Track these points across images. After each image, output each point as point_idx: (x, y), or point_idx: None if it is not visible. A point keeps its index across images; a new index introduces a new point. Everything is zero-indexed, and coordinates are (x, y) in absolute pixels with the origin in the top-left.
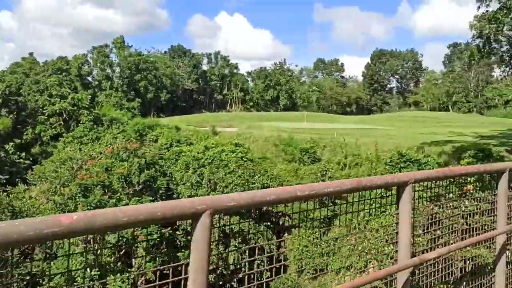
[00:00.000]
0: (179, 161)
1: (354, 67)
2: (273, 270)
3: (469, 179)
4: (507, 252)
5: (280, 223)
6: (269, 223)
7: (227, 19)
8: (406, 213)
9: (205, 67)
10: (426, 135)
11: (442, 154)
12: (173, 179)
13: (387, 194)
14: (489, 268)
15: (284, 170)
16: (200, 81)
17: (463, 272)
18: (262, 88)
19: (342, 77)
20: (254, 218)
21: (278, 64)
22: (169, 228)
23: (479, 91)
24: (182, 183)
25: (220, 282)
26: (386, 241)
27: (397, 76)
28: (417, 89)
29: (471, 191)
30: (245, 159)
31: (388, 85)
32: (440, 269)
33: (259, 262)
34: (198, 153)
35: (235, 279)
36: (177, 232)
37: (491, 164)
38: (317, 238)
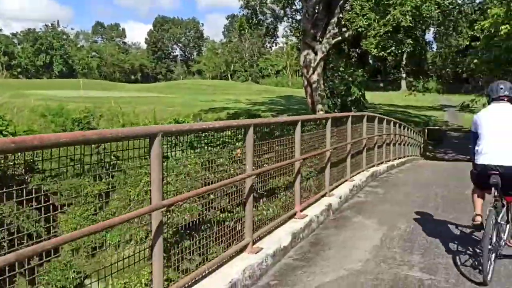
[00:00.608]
0: None
1: (139, 34)
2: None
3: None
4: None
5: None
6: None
7: None
8: (156, 160)
9: None
10: (206, 102)
11: (218, 121)
12: None
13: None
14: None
15: None
16: None
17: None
18: (32, 53)
19: (124, 43)
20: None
21: (51, 26)
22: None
23: (253, 61)
24: None
25: None
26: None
27: (180, 44)
28: (199, 58)
29: (239, 155)
30: (6, 133)
31: (172, 53)
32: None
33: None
34: None
35: None
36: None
37: (236, 120)
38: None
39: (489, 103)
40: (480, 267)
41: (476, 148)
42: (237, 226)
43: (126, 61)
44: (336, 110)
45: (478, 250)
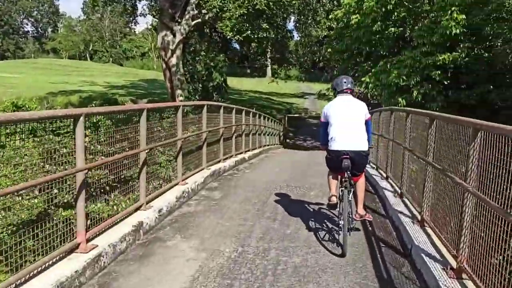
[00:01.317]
0: None
1: None
2: None
3: None
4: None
5: None
6: None
7: None
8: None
9: None
10: (57, 84)
11: (69, 105)
12: None
13: None
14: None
15: None
16: None
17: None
18: None
19: None
20: None
21: None
22: None
23: (114, 41)
24: None
25: None
26: None
27: (32, 19)
28: (55, 35)
29: None
30: None
31: (22, 29)
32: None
33: None
34: None
35: None
36: None
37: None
38: None
39: (335, 96)
40: (337, 241)
41: (329, 136)
42: None
43: None
44: (197, 96)
45: (336, 228)
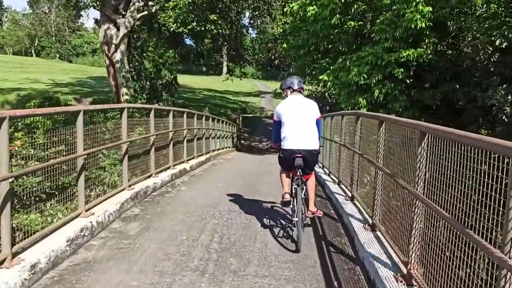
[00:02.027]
0: None
1: None
2: None
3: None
4: None
5: None
6: None
7: None
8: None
9: None
10: None
11: (5, 104)
12: None
13: None
14: None
15: None
16: None
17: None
18: None
19: None
20: None
21: None
22: None
23: (61, 36)
24: None
25: None
26: None
27: None
28: None
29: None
30: None
31: None
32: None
33: None
34: None
35: None
36: None
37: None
38: None
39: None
40: (291, 238)
41: (282, 135)
42: None
43: None
44: (144, 95)
45: (289, 225)
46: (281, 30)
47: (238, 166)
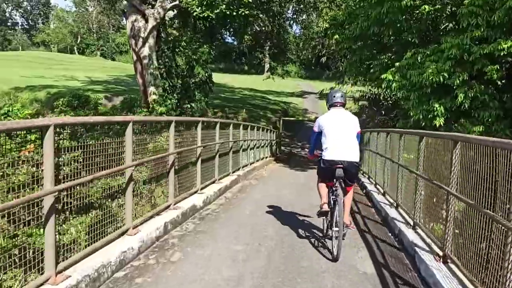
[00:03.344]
0: None
1: None
2: None
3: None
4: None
5: None
6: None
7: None
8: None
9: None
10: (31, 78)
11: (34, 102)
12: None
13: None
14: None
15: None
16: None
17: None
18: None
19: None
20: None
21: None
22: None
23: (103, 33)
24: None
25: None
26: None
27: (21, 11)
28: (44, 27)
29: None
30: None
31: (11, 20)
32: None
33: None
34: None
35: None
36: None
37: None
38: None
39: (328, 109)
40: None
41: (324, 146)
42: None
43: None
44: (175, 94)
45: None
46: (327, 25)
47: (272, 191)
